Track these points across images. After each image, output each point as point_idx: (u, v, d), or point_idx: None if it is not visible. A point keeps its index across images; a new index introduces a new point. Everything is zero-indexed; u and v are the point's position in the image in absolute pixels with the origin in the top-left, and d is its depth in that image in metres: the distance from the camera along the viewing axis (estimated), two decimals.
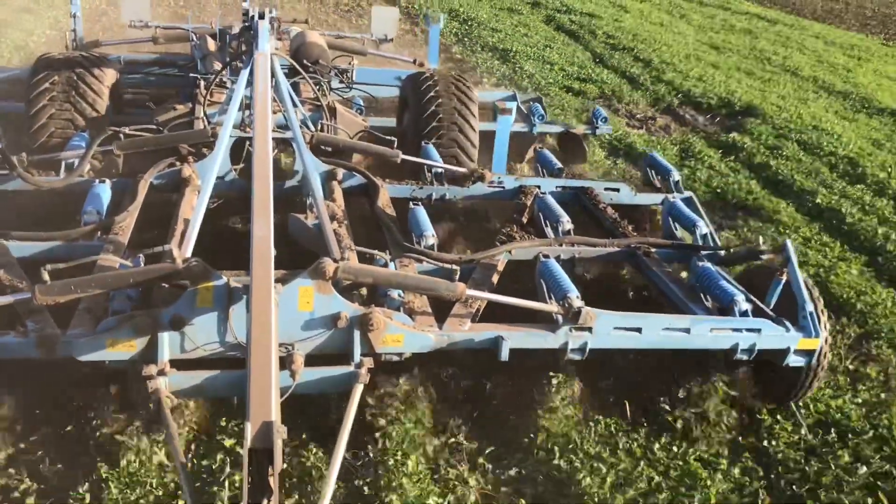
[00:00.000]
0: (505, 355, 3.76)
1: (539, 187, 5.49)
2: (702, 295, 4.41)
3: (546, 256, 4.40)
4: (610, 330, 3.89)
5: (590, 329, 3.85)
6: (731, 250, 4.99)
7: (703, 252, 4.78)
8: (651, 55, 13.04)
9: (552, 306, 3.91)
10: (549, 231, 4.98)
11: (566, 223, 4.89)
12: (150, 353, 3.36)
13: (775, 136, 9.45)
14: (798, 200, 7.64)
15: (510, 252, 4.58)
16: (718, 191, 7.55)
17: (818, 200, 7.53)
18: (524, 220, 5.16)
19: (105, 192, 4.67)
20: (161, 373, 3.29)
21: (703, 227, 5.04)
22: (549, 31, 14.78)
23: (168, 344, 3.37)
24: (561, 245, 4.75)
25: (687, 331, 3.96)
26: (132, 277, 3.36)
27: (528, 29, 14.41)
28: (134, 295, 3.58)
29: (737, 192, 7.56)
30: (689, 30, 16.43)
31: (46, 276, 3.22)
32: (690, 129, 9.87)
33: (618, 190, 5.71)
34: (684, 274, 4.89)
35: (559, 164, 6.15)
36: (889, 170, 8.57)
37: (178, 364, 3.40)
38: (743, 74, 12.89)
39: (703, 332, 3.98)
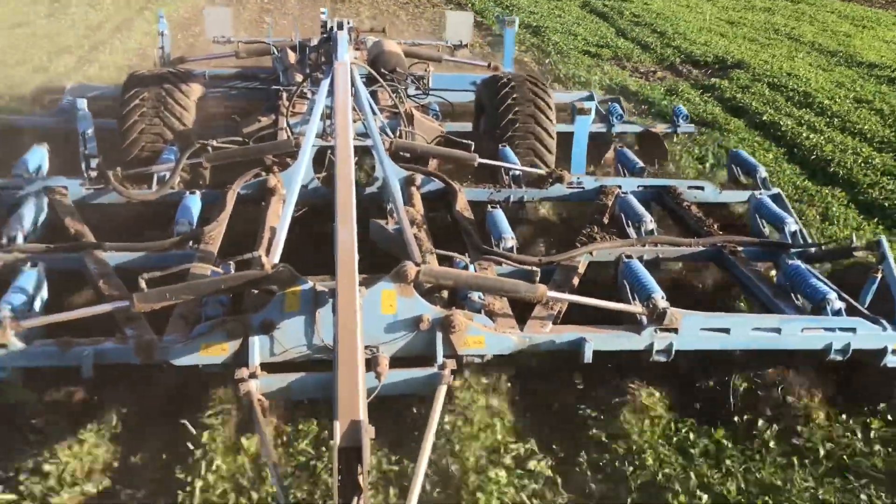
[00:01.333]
0: (588, 357, 3.73)
1: (620, 187, 5.42)
2: (792, 294, 4.28)
3: (629, 257, 4.34)
4: (696, 331, 3.81)
5: (675, 330, 3.78)
6: (823, 247, 4.82)
7: (793, 250, 4.64)
8: (667, 28, 14.67)
9: (636, 307, 3.86)
10: (631, 231, 4.92)
11: (649, 223, 4.83)
12: (241, 357, 3.47)
13: (750, 80, 11.09)
14: (749, 119, 9.41)
15: (591, 253, 4.54)
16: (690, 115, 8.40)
17: (764, 118, 9.30)
18: (605, 220, 5.10)
19: (195, 203, 4.84)
20: (252, 376, 3.39)
21: (793, 224, 4.89)
22: (583, 13, 16.36)
23: (258, 348, 3.46)
24: (644, 245, 4.69)
25: (777, 331, 3.84)
26: (224, 283, 3.47)
27: (563, 11, 16.18)
28: (225, 301, 3.70)
29: (703, 114, 9.37)
30: (712, 10, 17.69)
31: (143, 285, 3.37)
32: (683, 79, 11.44)
33: (702, 188, 5.60)
34: (773, 273, 4.75)
35: (640, 163, 6.07)
36: (836, 100, 10.18)
37: (267, 367, 3.50)
38: (747, 41, 14.25)
39: (794, 333, 3.85)
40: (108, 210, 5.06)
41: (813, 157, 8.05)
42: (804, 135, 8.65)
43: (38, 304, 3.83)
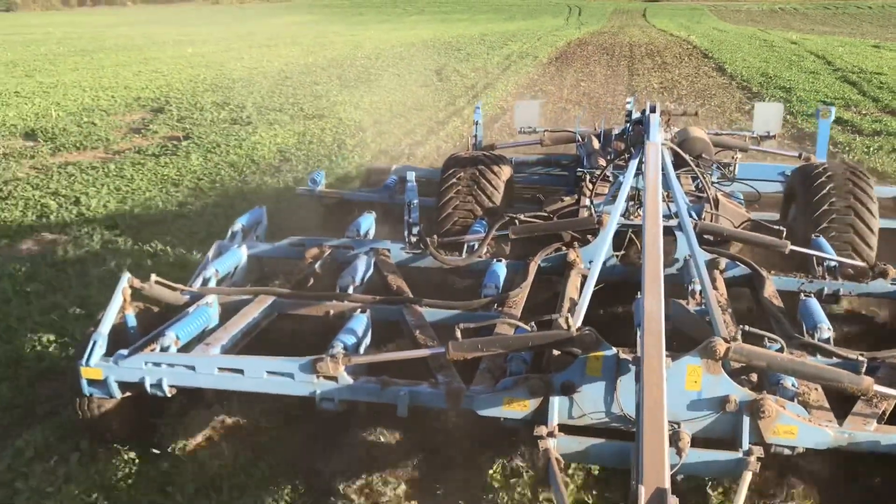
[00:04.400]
0: None
1: None
2: None
3: None
4: None
5: None
6: None
7: None
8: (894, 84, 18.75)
9: None
10: None
11: None
12: (541, 415, 3.56)
13: None
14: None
15: None
16: None
17: None
18: None
19: (501, 270, 5.15)
20: (551, 434, 3.46)
21: None
22: (834, 80, 20.42)
23: (558, 408, 3.55)
24: None
25: None
26: (531, 341, 3.63)
27: (816, 78, 20.75)
28: (528, 359, 3.86)
29: None
30: None
31: (459, 334, 3.63)
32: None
33: None
34: None
35: None
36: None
37: (565, 429, 3.56)
38: None
39: None
40: (423, 272, 5.54)
41: None
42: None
43: (362, 347, 4.27)
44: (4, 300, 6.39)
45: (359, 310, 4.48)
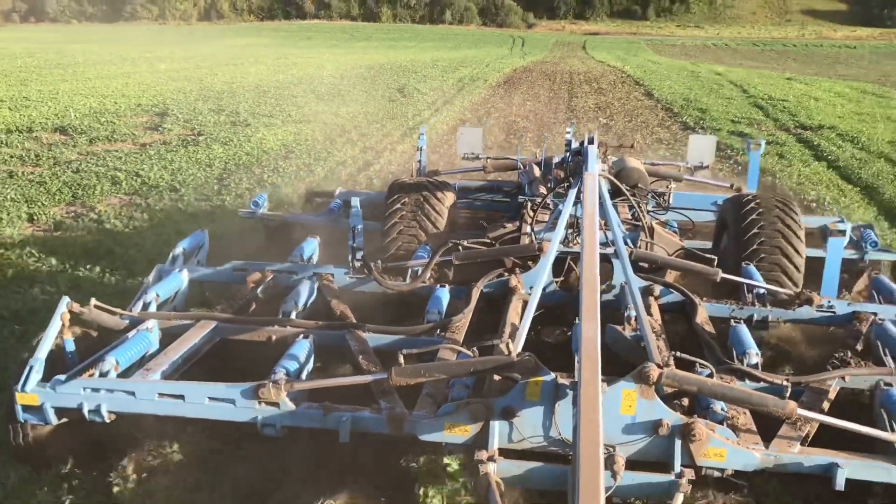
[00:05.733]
0: (841, 485, 3.48)
1: (876, 314, 5.10)
2: None
3: (888, 385, 4.05)
4: None
5: None
6: None
7: None
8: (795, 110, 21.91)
9: (894, 436, 3.57)
10: (888, 361, 4.58)
11: None
12: (481, 440, 3.63)
13: (834, 135, 17.12)
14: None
15: (844, 378, 4.28)
16: None
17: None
18: (859, 347, 4.80)
19: (444, 295, 5.23)
20: (491, 459, 3.53)
21: None
22: (746, 104, 23.51)
23: (498, 432, 3.61)
24: None
25: None
26: (472, 367, 3.70)
27: (729, 102, 24.19)
28: (470, 385, 3.92)
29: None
30: (843, 102, 24.63)
31: (402, 360, 3.69)
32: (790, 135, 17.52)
33: None
34: None
35: None
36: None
37: (505, 453, 3.63)
38: (848, 114, 21.15)
39: None
40: (368, 297, 5.57)
41: (855, 174, 12.36)
42: (848, 154, 14.43)
43: (305, 373, 4.29)
44: None
45: (301, 335, 4.50)
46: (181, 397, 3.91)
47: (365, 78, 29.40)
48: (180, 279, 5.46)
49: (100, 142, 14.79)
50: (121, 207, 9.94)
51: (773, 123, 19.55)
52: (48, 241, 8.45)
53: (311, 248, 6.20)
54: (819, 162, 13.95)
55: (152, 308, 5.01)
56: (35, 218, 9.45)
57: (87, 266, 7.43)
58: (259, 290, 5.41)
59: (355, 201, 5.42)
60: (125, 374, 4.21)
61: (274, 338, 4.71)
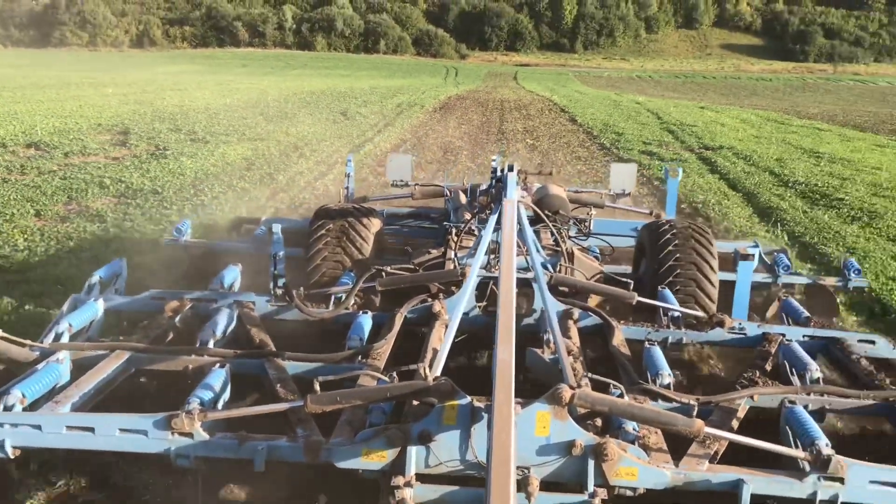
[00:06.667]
0: (746, 500, 3.59)
1: (784, 335, 5.30)
2: None
3: (792, 402, 4.21)
4: (865, 483, 3.59)
5: (841, 480, 3.59)
6: None
7: None
8: (702, 134, 24.57)
9: (798, 452, 3.71)
10: (795, 379, 4.76)
11: (815, 371, 4.67)
12: (399, 465, 3.62)
13: (732, 154, 19.89)
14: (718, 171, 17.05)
15: (752, 397, 4.43)
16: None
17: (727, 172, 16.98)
18: (767, 367, 4.98)
19: (367, 322, 5.22)
20: (408, 484, 3.53)
21: None
22: (659, 129, 26.13)
23: (415, 458, 3.61)
24: (809, 394, 4.52)
25: None
26: (389, 392, 3.70)
27: (644, 126, 26.93)
28: (388, 410, 3.93)
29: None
30: (749, 129, 27.58)
31: (317, 387, 3.67)
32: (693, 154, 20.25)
33: (873, 342, 5.35)
34: None
35: (806, 313, 5.91)
36: (772, 161, 18.70)
37: (422, 477, 3.63)
38: (748, 138, 24.12)
39: None
40: (289, 326, 5.52)
41: (741, 184, 15.11)
42: (739, 168, 17.21)
43: (221, 402, 4.22)
44: None
45: (218, 364, 4.43)
46: (91, 430, 3.79)
47: (308, 102, 31.13)
48: (95, 308, 5.32)
49: (74, 155, 15.91)
50: (115, 205, 11.45)
51: (679, 144, 22.25)
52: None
53: (233, 275, 6.13)
54: (713, 175, 16.65)
55: (64, 339, 4.87)
56: (41, 213, 10.72)
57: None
58: (177, 318, 5.31)
59: (276, 227, 5.39)
60: (33, 407, 4.07)
61: (191, 367, 4.63)
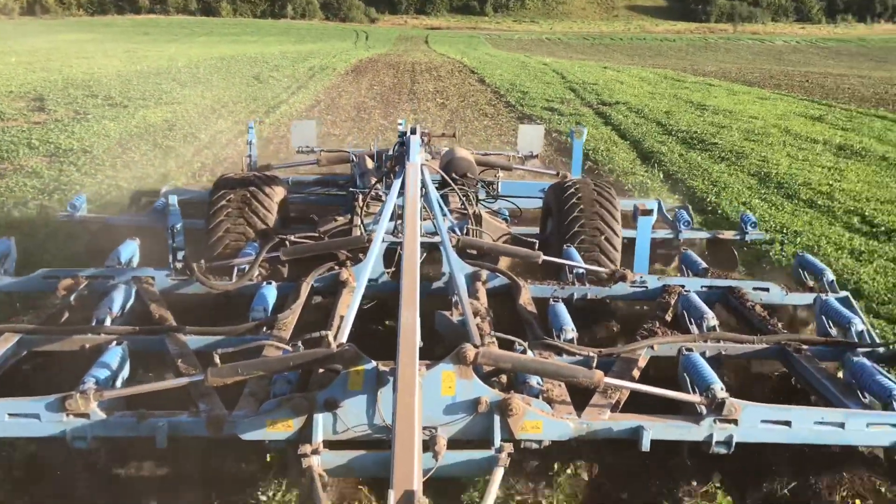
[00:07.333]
0: (646, 445, 3.72)
1: (683, 286, 5.47)
2: (858, 392, 4.20)
3: (689, 350, 4.36)
4: (756, 423, 3.77)
5: (735, 421, 3.75)
6: (892, 347, 4.73)
7: (860, 349, 4.57)
8: (601, 91, 26.10)
9: (695, 397, 3.86)
10: (693, 328, 4.94)
11: (711, 319, 4.84)
12: (306, 434, 3.59)
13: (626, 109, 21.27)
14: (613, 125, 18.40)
15: (652, 347, 4.57)
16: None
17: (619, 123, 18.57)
18: (668, 318, 5.14)
19: (271, 292, 5.12)
20: (315, 452, 3.50)
21: (860, 324, 4.83)
22: (562, 88, 27.42)
23: (322, 425, 3.59)
24: (706, 341, 4.69)
25: (841, 426, 3.77)
26: (292, 361, 3.65)
27: (548, 85, 27.96)
28: (293, 379, 3.88)
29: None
30: (644, 85, 29.50)
31: (217, 360, 3.58)
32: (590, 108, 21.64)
33: (767, 289, 5.59)
34: (840, 374, 4.67)
35: (704, 265, 6.12)
36: (658, 112, 20.39)
37: (330, 444, 3.61)
38: (644, 94, 25.54)
39: (860, 428, 3.77)
40: (191, 300, 5.37)
41: (630, 133, 16.60)
42: (630, 121, 18.59)
43: (119, 381, 4.08)
44: None
45: (115, 342, 4.28)
46: None
47: (219, 68, 30.85)
48: None
49: None
50: (48, 164, 11.65)
51: (579, 101, 23.50)
52: None
53: (130, 250, 5.89)
54: (606, 126, 18.04)
55: None
56: None
57: None
58: (71, 297, 5.09)
59: (172, 199, 5.22)
60: None
61: (87, 346, 4.46)
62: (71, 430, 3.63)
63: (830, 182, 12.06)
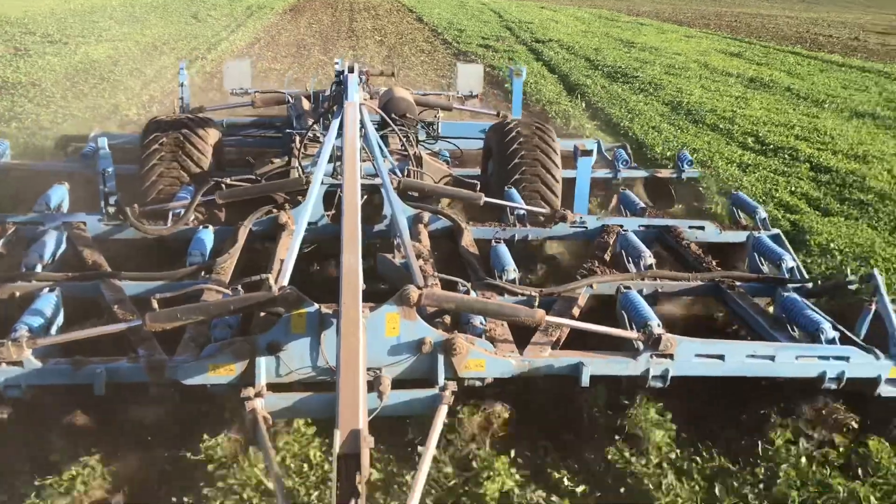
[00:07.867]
0: (586, 381, 3.82)
1: (622, 226, 5.56)
2: (788, 326, 4.36)
3: (627, 288, 4.45)
4: (691, 357, 3.90)
5: (671, 356, 3.87)
6: (819, 282, 4.91)
7: (790, 285, 4.73)
8: (536, 30, 26.64)
9: (632, 333, 3.95)
10: (631, 267, 5.03)
11: (648, 258, 4.94)
12: (248, 378, 3.57)
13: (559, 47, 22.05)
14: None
15: (592, 286, 4.65)
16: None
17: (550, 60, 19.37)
18: (606, 257, 5.23)
19: (208, 236, 5.02)
20: (258, 395, 3.49)
21: (790, 260, 5.00)
22: (499, 26, 28.13)
23: (265, 368, 3.58)
24: (643, 279, 4.80)
25: (772, 358, 3.92)
26: (232, 305, 3.60)
27: (484, 24, 28.49)
28: (234, 324, 3.83)
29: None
30: (578, 24, 30.58)
31: (155, 305, 3.51)
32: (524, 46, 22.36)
33: (702, 228, 5.72)
34: (771, 309, 4.84)
35: (642, 204, 6.22)
36: (589, 49, 21.36)
37: (274, 387, 3.60)
38: (577, 32, 26.56)
39: (789, 360, 3.93)
40: (125, 245, 5.23)
41: (559, 68, 17.65)
42: (561, 57, 19.47)
43: (54, 328, 3.97)
44: None
45: (47, 289, 4.15)
46: None
47: (156, 7, 30.52)
48: None
49: None
50: None
51: (514, 39, 24.32)
52: None
53: (59, 195, 5.69)
54: (537, 62, 19.10)
55: None
56: None
57: None
58: None
59: (102, 142, 5.02)
60: None
61: (18, 294, 4.31)
62: (4, 379, 3.53)
63: (734, 109, 13.28)
